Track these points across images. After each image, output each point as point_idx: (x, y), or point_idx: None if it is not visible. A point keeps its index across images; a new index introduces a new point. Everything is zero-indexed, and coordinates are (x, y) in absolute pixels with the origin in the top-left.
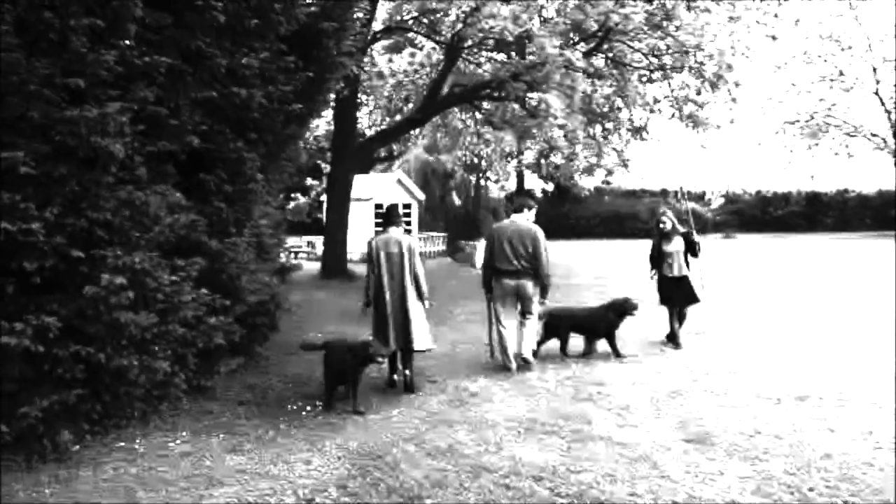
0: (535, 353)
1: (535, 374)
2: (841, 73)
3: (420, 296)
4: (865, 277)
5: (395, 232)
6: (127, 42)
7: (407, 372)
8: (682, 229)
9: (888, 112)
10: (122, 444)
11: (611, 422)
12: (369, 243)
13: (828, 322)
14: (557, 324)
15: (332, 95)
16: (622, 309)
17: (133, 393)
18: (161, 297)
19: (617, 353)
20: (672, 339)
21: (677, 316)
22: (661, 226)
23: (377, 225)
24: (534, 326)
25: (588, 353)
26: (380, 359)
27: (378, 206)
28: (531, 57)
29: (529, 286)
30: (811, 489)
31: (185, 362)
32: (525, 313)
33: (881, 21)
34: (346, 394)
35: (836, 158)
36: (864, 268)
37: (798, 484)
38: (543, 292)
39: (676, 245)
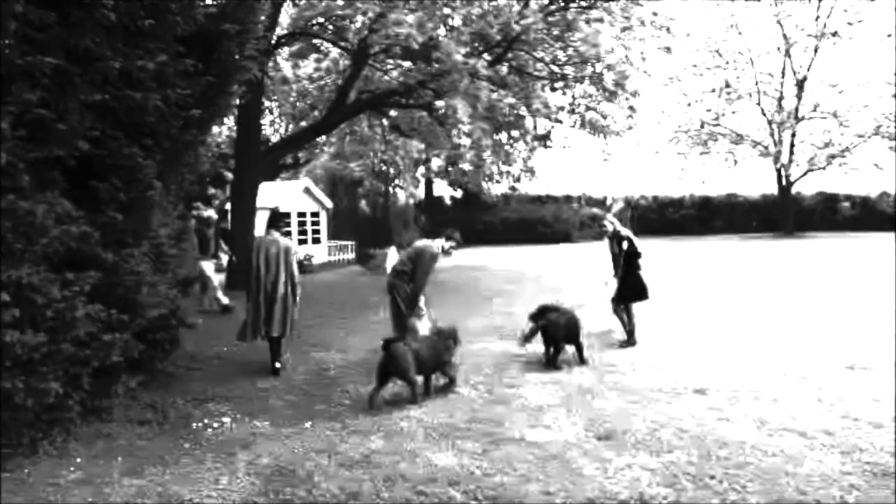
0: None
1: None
2: (727, 85)
3: (294, 291)
4: (756, 275)
5: (275, 234)
6: (6, 41)
7: (286, 356)
8: (621, 232)
9: (770, 122)
10: (8, 474)
11: (524, 423)
12: (255, 241)
13: (721, 318)
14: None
15: (236, 101)
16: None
17: (19, 418)
18: (51, 314)
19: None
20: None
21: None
22: (603, 229)
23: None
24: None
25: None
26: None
27: (284, 215)
28: (437, 65)
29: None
30: (712, 477)
31: (78, 383)
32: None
33: (762, 37)
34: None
35: (724, 165)
36: (753, 266)
37: (700, 473)
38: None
39: (612, 247)
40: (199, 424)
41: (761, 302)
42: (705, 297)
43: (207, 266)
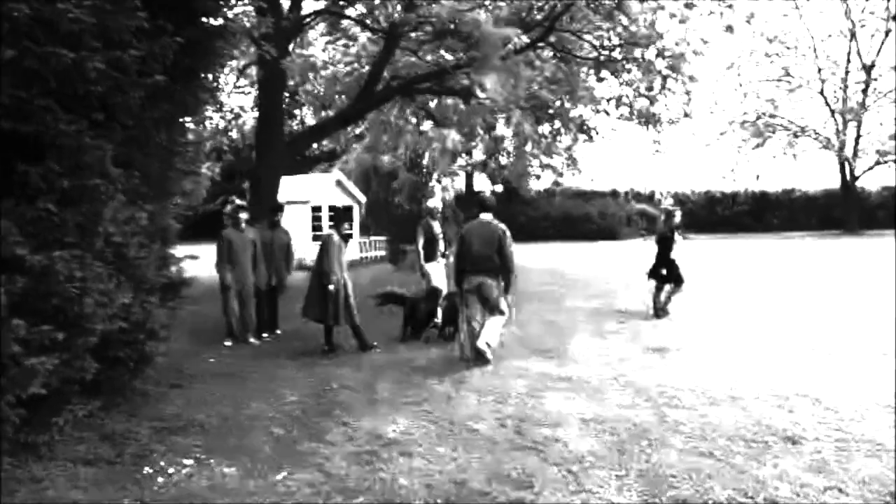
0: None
1: (469, 411)
2: (787, 74)
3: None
4: (834, 280)
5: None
6: None
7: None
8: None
9: (833, 112)
10: None
11: (561, 485)
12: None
13: (803, 335)
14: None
15: (222, 77)
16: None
17: None
18: None
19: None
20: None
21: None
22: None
23: (331, 227)
24: (498, 322)
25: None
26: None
27: (316, 209)
28: (473, 52)
29: (492, 284)
30: None
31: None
32: (493, 309)
33: (826, 21)
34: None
35: (782, 158)
36: (828, 269)
37: None
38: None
39: None
40: (155, 468)
41: (850, 316)
42: (781, 309)
43: (436, 271)
